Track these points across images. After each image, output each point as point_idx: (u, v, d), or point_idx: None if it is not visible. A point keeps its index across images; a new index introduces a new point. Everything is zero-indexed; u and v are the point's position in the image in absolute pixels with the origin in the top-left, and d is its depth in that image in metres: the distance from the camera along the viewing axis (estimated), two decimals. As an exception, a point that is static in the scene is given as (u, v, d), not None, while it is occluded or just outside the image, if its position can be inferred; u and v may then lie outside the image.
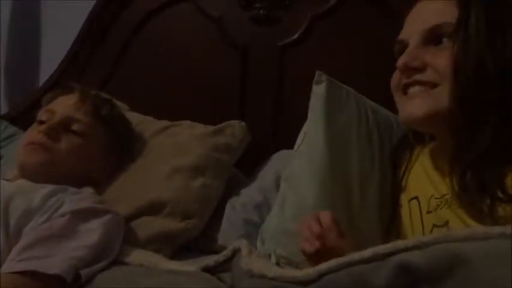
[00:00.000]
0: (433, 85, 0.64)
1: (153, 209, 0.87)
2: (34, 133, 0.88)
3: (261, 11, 1.21)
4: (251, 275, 0.53)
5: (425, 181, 0.71)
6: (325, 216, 0.64)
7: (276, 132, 1.18)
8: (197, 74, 1.24)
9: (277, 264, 0.78)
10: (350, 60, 1.14)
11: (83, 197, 0.80)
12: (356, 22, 1.15)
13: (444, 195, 0.66)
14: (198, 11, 1.25)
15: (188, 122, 1.08)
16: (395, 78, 0.70)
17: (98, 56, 1.32)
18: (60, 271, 0.65)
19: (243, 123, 1.06)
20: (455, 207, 0.63)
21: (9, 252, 0.69)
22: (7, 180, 0.85)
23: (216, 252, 0.70)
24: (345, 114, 0.84)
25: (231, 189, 1.00)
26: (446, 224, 0.63)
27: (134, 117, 1.07)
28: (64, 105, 0.92)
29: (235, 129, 1.04)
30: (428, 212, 0.67)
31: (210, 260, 0.65)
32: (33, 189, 0.78)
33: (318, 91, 0.86)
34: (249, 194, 0.98)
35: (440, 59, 0.64)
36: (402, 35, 0.71)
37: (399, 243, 0.44)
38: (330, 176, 0.80)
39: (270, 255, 0.80)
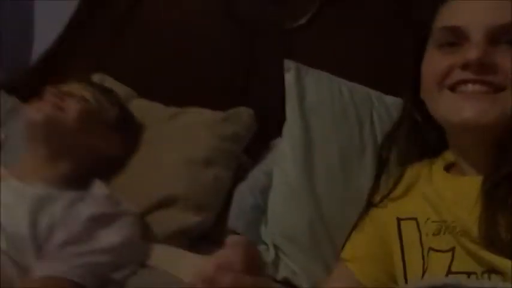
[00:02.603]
0: (499, 89, 0.58)
1: (167, 203, 0.90)
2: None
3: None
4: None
5: (425, 203, 0.65)
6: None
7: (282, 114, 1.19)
8: (201, 54, 1.22)
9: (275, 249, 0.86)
10: (354, 48, 1.14)
11: (99, 200, 0.82)
12: (364, 11, 1.14)
13: (445, 221, 0.60)
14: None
15: (196, 108, 1.08)
16: (443, 70, 0.61)
17: (96, 32, 1.28)
18: (82, 279, 0.69)
19: (251, 110, 1.07)
20: (460, 234, 0.58)
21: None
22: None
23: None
24: (315, 95, 0.94)
25: (239, 174, 1.03)
26: (452, 250, 0.58)
27: (140, 104, 1.07)
28: (73, 87, 0.93)
29: (243, 117, 1.05)
30: (427, 234, 0.62)
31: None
32: (54, 198, 0.79)
33: (288, 78, 0.96)
34: (256, 178, 1.01)
35: None
36: (458, 22, 0.61)
37: None
38: (308, 156, 0.90)
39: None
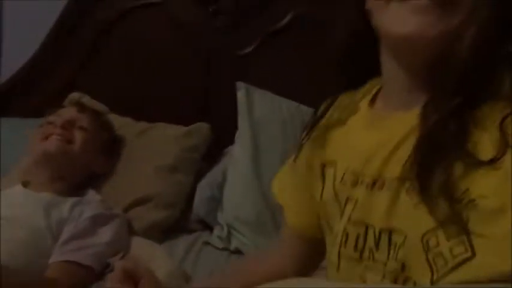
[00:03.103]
0: (448, 2, 0.49)
1: (142, 202, 1.12)
2: (50, 129, 1.08)
3: (224, 22, 1.40)
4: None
5: (346, 148, 0.57)
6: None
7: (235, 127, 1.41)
8: (164, 75, 1.42)
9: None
10: (294, 72, 1.37)
11: (96, 204, 1.03)
12: (307, 40, 1.37)
13: (362, 173, 0.52)
14: (167, 17, 1.41)
15: (162, 124, 1.29)
16: None
17: (67, 55, 1.45)
18: (91, 263, 0.92)
19: (208, 125, 1.29)
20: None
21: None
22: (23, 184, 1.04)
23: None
24: (261, 110, 1.22)
25: (199, 175, 1.25)
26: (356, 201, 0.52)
27: (115, 119, 1.27)
28: (69, 111, 1.14)
29: (202, 131, 1.27)
30: (345, 184, 0.55)
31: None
32: (61, 201, 1.01)
33: (240, 96, 1.24)
34: (213, 176, 1.23)
35: None
36: None
37: None
38: (255, 156, 1.17)
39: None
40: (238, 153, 1.21)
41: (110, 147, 1.19)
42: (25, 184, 1.04)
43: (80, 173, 1.10)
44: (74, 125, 1.10)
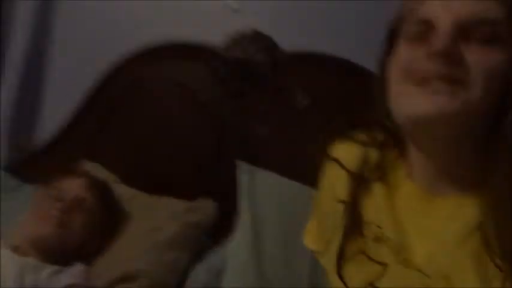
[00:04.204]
0: (464, 85, 0.53)
1: (128, 278, 1.05)
2: (51, 208, 1.06)
3: (240, 102, 1.42)
4: None
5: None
6: None
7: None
8: (177, 150, 1.42)
9: None
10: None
11: (76, 274, 0.99)
12: (321, 124, 1.34)
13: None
14: (184, 96, 1.45)
15: (166, 198, 1.26)
16: (408, 59, 0.57)
17: (90, 127, 1.50)
18: None
19: (212, 202, 1.24)
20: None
21: None
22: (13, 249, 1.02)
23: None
24: (263, 192, 1.14)
25: (200, 255, 1.18)
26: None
27: (121, 189, 1.26)
28: (74, 185, 1.12)
29: (207, 208, 1.23)
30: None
31: None
32: (40, 267, 0.98)
33: (241, 178, 1.17)
34: (212, 262, 1.16)
35: (485, 60, 0.53)
36: (427, 14, 0.57)
37: None
38: (256, 243, 1.07)
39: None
40: (239, 239, 1.13)
41: (109, 228, 1.16)
42: (15, 249, 1.02)
43: (71, 253, 1.07)
44: (75, 208, 1.09)
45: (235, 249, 1.11)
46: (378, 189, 0.64)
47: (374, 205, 0.63)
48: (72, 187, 1.13)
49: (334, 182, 0.69)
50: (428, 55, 0.55)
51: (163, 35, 1.51)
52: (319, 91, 1.36)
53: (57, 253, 1.03)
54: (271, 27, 1.43)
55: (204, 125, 1.42)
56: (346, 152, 0.69)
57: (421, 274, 0.55)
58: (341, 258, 0.63)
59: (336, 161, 0.69)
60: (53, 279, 0.95)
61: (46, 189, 1.14)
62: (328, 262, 0.66)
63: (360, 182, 0.65)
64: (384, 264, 0.58)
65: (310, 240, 0.75)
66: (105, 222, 1.14)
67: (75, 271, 1.01)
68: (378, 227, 0.61)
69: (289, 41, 1.41)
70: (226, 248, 1.15)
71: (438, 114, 0.53)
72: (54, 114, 1.61)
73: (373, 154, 0.66)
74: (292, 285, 1.05)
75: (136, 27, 1.64)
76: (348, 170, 0.67)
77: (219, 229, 1.25)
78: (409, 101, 0.55)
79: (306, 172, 1.25)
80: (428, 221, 0.58)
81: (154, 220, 1.17)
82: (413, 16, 0.59)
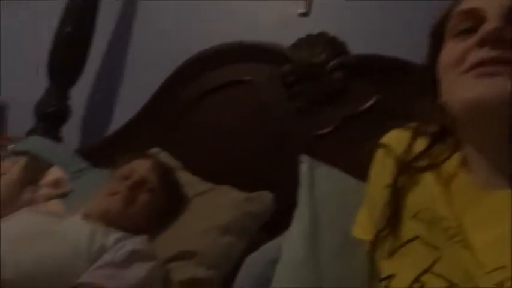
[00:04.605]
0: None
1: (186, 256, 1.08)
2: (119, 186, 1.14)
3: (304, 104, 1.44)
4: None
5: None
6: None
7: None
8: (239, 147, 1.47)
9: None
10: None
11: (140, 242, 1.04)
12: (383, 127, 1.35)
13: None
14: (249, 95, 1.50)
15: (226, 187, 1.29)
16: (459, 54, 0.56)
17: (161, 119, 1.59)
18: None
19: (271, 194, 1.26)
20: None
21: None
22: (83, 216, 1.10)
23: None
24: (324, 186, 1.10)
25: (253, 247, 1.19)
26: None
27: (185, 176, 1.31)
28: (142, 167, 1.19)
29: (264, 199, 1.24)
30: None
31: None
32: (109, 232, 1.04)
33: (302, 170, 1.13)
34: (266, 250, 1.16)
35: None
36: (474, 3, 0.57)
37: None
38: (314, 237, 1.01)
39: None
40: (295, 230, 1.10)
41: (170, 210, 1.20)
42: (85, 217, 1.09)
43: (133, 229, 1.11)
44: (141, 187, 1.15)
45: (292, 240, 1.10)
46: (429, 178, 0.63)
47: (427, 192, 0.62)
48: (140, 168, 1.19)
49: (383, 168, 0.69)
50: (480, 42, 0.54)
51: (232, 37, 1.57)
52: (384, 94, 1.35)
53: (120, 228, 1.08)
54: (339, 30, 1.45)
55: (268, 124, 1.45)
56: (395, 138, 0.70)
57: (477, 260, 0.54)
58: (394, 245, 0.62)
59: (384, 146, 0.70)
60: (119, 244, 1.00)
61: (117, 169, 1.21)
62: (381, 250, 0.65)
63: (404, 167, 0.65)
64: (439, 249, 0.56)
65: (360, 230, 0.75)
66: (166, 203, 1.19)
67: (140, 239, 1.05)
68: (436, 214, 0.59)
69: (356, 44, 1.42)
70: (282, 239, 1.15)
71: (497, 94, 0.52)
72: (128, 107, 1.72)
73: (422, 142, 0.66)
74: (348, 281, 1.02)
75: (206, 28, 1.73)
76: (393, 156, 0.67)
77: (277, 224, 1.26)
78: (466, 88, 0.54)
79: (366, 174, 1.28)
80: (483, 212, 0.56)
81: (214, 206, 1.20)
82: (458, 11, 0.59)
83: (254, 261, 1.11)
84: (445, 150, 0.64)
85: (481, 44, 0.54)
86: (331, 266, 1.03)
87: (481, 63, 0.53)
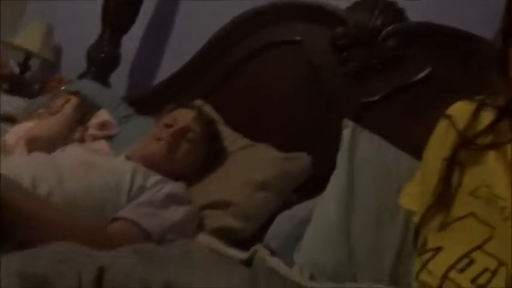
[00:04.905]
0: None
1: (221, 205, 1.10)
2: (162, 133, 1.17)
3: (354, 69, 1.40)
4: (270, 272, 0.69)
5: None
6: None
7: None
8: (285, 107, 1.46)
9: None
10: (416, 130, 1.28)
11: (178, 187, 1.07)
12: (435, 100, 1.29)
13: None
14: (299, 56, 1.47)
15: (265, 145, 1.29)
16: None
17: (207, 74, 1.60)
18: (152, 232, 0.93)
19: (309, 156, 1.25)
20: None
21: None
22: (127, 157, 1.14)
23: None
24: (364, 153, 1.09)
25: (286, 207, 1.20)
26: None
27: (225, 131, 1.32)
28: (185, 116, 1.21)
29: (302, 161, 1.24)
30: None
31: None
32: (149, 174, 1.07)
33: (345, 134, 1.12)
34: (299, 210, 1.17)
35: None
36: None
37: None
38: (349, 202, 1.01)
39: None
40: (330, 193, 1.10)
41: (210, 160, 1.23)
42: (128, 158, 1.13)
43: (173, 175, 1.14)
44: (184, 135, 1.17)
45: (326, 203, 1.09)
46: (492, 155, 0.61)
47: (488, 170, 0.60)
48: (183, 117, 1.21)
49: (444, 140, 0.67)
50: None
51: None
52: (439, 66, 1.29)
53: (160, 172, 1.11)
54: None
55: (316, 87, 1.43)
56: (460, 110, 0.67)
57: None
58: (445, 219, 0.61)
59: (449, 117, 0.67)
60: (158, 186, 1.03)
61: (162, 117, 1.23)
62: (430, 223, 0.64)
63: (466, 142, 0.63)
64: (493, 228, 0.56)
65: (409, 200, 0.73)
66: (206, 153, 1.21)
67: (178, 184, 1.08)
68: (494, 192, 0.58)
69: (415, 10, 1.35)
70: (317, 201, 1.15)
71: None
72: (176, 59, 1.74)
73: (487, 116, 0.63)
74: (379, 251, 1.01)
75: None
76: (456, 128, 0.64)
77: (313, 187, 1.26)
78: None
79: (411, 147, 1.24)
80: None
81: (252, 162, 1.21)
82: None
83: (285, 220, 1.12)
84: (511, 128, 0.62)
85: None
86: (363, 235, 1.01)
87: None
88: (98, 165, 1.02)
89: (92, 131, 1.39)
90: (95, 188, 0.95)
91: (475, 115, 0.64)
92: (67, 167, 0.97)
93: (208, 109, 1.39)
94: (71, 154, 1.07)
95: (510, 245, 0.53)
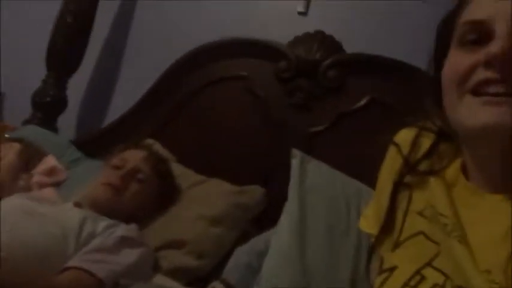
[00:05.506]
0: None
1: (176, 245, 1.09)
2: (111, 176, 1.15)
3: (300, 100, 1.45)
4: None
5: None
6: None
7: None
8: (235, 141, 1.48)
9: None
10: (362, 156, 1.34)
11: (130, 229, 1.05)
12: (378, 124, 1.36)
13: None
14: (246, 90, 1.51)
15: (217, 180, 1.30)
16: (465, 69, 0.54)
17: (157, 112, 1.60)
18: (104, 278, 0.90)
19: (263, 189, 1.27)
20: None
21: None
22: (75, 204, 1.12)
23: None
24: (313, 180, 1.13)
25: (243, 240, 1.20)
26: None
27: (177, 168, 1.32)
28: (135, 157, 1.20)
29: (255, 193, 1.25)
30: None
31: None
32: (99, 219, 1.05)
33: (293, 164, 1.17)
34: (255, 243, 1.17)
35: None
36: (481, 15, 0.54)
37: None
38: (301, 229, 1.05)
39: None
40: (283, 223, 1.13)
41: (162, 199, 1.21)
42: (76, 205, 1.10)
43: (125, 216, 1.12)
44: (133, 176, 1.16)
45: (280, 233, 1.12)
46: (432, 179, 0.64)
47: (430, 191, 0.64)
48: (133, 158, 1.20)
49: (392, 165, 0.71)
50: (486, 63, 0.52)
51: (232, 32, 1.58)
52: (378, 93, 1.36)
53: (110, 216, 1.09)
54: (336, 30, 1.46)
55: (263, 120, 1.47)
56: (404, 137, 0.71)
57: (473, 258, 0.55)
58: (398, 239, 0.64)
59: (396, 145, 0.71)
60: (109, 231, 1.01)
61: (111, 159, 1.22)
62: (385, 244, 0.67)
63: (411, 168, 0.66)
64: (438, 244, 0.58)
65: (366, 224, 0.76)
66: (158, 193, 1.20)
67: (129, 227, 1.06)
68: (437, 211, 0.61)
69: (351, 43, 1.44)
70: (272, 232, 1.17)
71: (498, 125, 0.51)
72: (124, 99, 1.73)
73: (427, 141, 0.67)
74: (334, 275, 1.04)
75: (205, 23, 1.74)
76: (402, 155, 0.68)
77: (268, 219, 1.27)
78: (467, 112, 0.53)
79: (360, 170, 1.29)
80: (477, 213, 0.58)
81: (205, 197, 1.22)
82: (464, 17, 0.57)
83: (243, 253, 1.13)
84: (449, 151, 0.65)
85: (487, 65, 0.52)
86: (317, 257, 1.05)
87: (487, 81, 0.52)
88: (42, 214, 0.99)
89: (38, 177, 1.34)
90: (39, 238, 0.92)
91: (415, 142, 0.68)
92: (8, 220, 0.93)
93: (158, 147, 1.39)
94: (14, 204, 1.04)
95: (452, 260, 0.56)
